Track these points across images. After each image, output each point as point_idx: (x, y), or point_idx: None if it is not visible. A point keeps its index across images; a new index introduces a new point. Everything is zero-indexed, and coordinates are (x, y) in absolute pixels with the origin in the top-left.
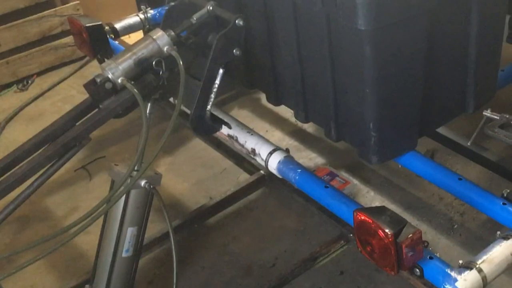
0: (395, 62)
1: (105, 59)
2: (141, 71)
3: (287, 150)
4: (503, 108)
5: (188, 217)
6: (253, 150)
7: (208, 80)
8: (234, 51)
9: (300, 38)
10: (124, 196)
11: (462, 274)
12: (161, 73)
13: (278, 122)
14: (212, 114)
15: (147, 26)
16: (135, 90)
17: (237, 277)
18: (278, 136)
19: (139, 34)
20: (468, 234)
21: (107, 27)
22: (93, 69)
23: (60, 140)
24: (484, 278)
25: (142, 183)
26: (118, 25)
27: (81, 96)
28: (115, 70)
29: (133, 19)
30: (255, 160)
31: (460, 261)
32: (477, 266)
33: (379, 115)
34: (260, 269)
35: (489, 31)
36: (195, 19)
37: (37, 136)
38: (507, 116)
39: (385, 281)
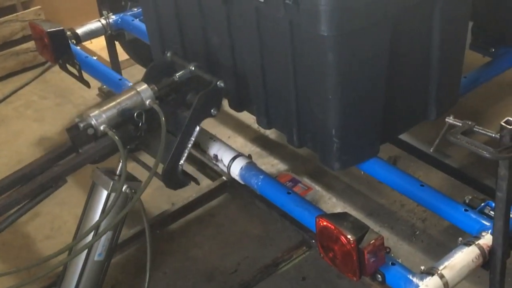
0: (357, 68)
1: (67, 64)
2: (122, 120)
3: (249, 156)
4: (466, 115)
5: (150, 223)
6: (215, 156)
7: (184, 136)
8: (212, 110)
9: (263, 44)
10: (104, 199)
11: (424, 280)
12: (140, 124)
13: (241, 128)
14: (183, 169)
15: (109, 31)
16: (116, 137)
17: (199, 282)
18: (240, 142)
19: (100, 40)
20: (430, 240)
21: (68, 33)
22: (54, 74)
23: (38, 180)
24: (445, 284)
25: (124, 187)
26: (79, 31)
27: (43, 101)
28: (99, 117)
29: (95, 25)
30: (218, 166)
31: (422, 267)
32: (439, 272)
33: (342, 122)
34: (222, 275)
35: (452, 38)
36: (177, 77)
37: (15, 173)
38: (470, 123)
39: (346, 287)
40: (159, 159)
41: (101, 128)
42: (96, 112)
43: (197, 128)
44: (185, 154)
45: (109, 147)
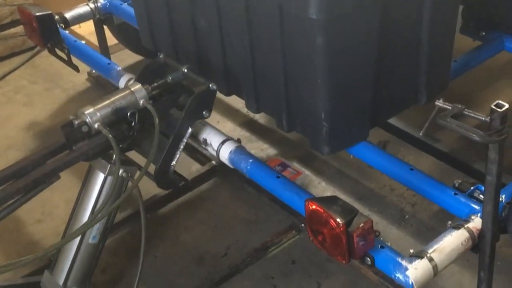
0: (347, 52)
1: (56, 49)
2: (116, 119)
3: (238, 140)
4: (456, 99)
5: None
6: (205, 140)
7: (177, 138)
8: (204, 112)
9: (252, 28)
10: (100, 182)
11: (413, 263)
12: (133, 124)
13: (230, 113)
14: (174, 170)
15: (97, 15)
16: (110, 135)
17: (189, 266)
18: (229, 127)
19: (89, 24)
20: (420, 224)
21: (57, 17)
22: (43, 59)
23: (32, 175)
24: (434, 267)
25: (120, 172)
26: (68, 15)
27: (32, 86)
28: (93, 115)
29: (83, 9)
30: (207, 150)
31: (411, 251)
32: (428, 255)
33: (331, 106)
34: (212, 259)
35: (442, 22)
36: (170, 78)
37: (8, 168)
38: (460, 106)
39: (336, 271)
40: (151, 158)
41: (95, 126)
42: (91, 110)
43: (189, 130)
44: (177, 156)
45: (102, 145)
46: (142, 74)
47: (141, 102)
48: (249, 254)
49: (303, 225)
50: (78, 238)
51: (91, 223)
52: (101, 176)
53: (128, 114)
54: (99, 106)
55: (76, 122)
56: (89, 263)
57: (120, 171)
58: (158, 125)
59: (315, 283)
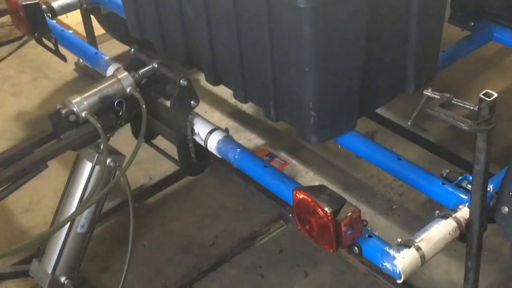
0: (335, 41)
1: (43, 38)
2: (104, 107)
3: (226, 130)
4: (444, 89)
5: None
6: (192, 130)
7: (178, 133)
8: (192, 102)
9: (239, 16)
10: (88, 172)
11: (401, 252)
12: (120, 113)
13: (217, 103)
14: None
15: (84, 5)
16: (98, 124)
17: (177, 255)
18: (217, 117)
19: (76, 15)
20: (407, 214)
21: (44, 6)
22: (31, 49)
23: (20, 164)
24: (422, 256)
25: (108, 161)
26: (55, 4)
27: (19, 75)
28: (80, 104)
29: None
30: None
31: (399, 240)
32: (416, 244)
33: (319, 95)
34: (200, 248)
35: (431, 11)
36: (140, 73)
37: None
38: (448, 95)
39: (324, 260)
40: (141, 139)
41: (83, 114)
42: (78, 99)
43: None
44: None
45: (90, 134)
46: (131, 61)
47: (128, 90)
48: (236, 243)
49: (290, 215)
50: (66, 227)
51: (79, 212)
52: (88, 165)
53: (115, 102)
54: (86, 94)
55: (64, 111)
56: (77, 252)
57: (108, 160)
58: (146, 112)
59: (303, 272)
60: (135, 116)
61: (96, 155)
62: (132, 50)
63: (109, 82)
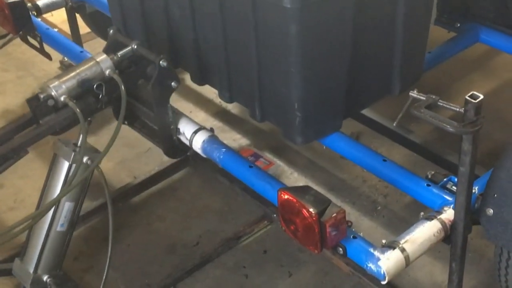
0: (320, 41)
1: (28, 36)
2: (83, 91)
3: (211, 130)
4: (430, 91)
5: (112, 196)
6: (178, 130)
7: (160, 115)
8: (172, 84)
9: (225, 16)
10: (65, 170)
11: (385, 254)
12: (100, 96)
13: (202, 103)
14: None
15: (70, 3)
16: (77, 109)
17: (161, 254)
18: (202, 117)
19: (62, 13)
20: (392, 216)
21: (29, 4)
22: (15, 47)
23: (0, 150)
24: (406, 258)
25: (84, 159)
26: (40, 2)
27: (4, 74)
28: (58, 88)
29: None
30: (180, 143)
31: (383, 241)
32: (400, 245)
33: (304, 95)
34: (184, 248)
35: (417, 13)
36: (119, 55)
37: None
38: (434, 97)
39: (308, 261)
40: (120, 122)
41: (62, 99)
42: (56, 83)
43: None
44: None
45: (70, 118)
46: (110, 44)
47: (107, 72)
48: (221, 243)
49: (275, 215)
50: (46, 226)
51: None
52: (66, 164)
53: (95, 86)
54: (64, 78)
55: (42, 96)
56: (58, 251)
57: (85, 159)
58: (125, 94)
59: (287, 272)
60: (116, 99)
61: (73, 154)
62: (111, 31)
63: (88, 65)
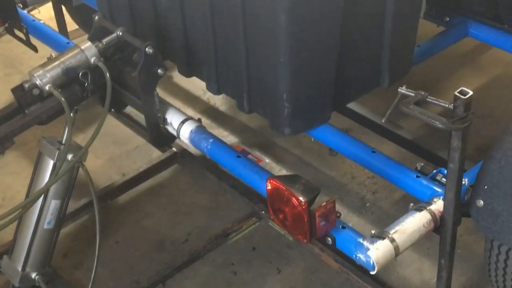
0: (310, 31)
1: (14, 28)
2: (68, 80)
3: (199, 120)
4: (419, 86)
5: (101, 193)
6: (165, 120)
7: (146, 103)
8: (159, 71)
9: (214, 6)
10: (50, 169)
11: (375, 244)
12: (86, 85)
13: (190, 99)
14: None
15: None
16: (62, 98)
17: (150, 251)
18: (190, 114)
19: (49, 10)
20: (380, 212)
21: None
22: (3, 44)
23: None
24: (396, 248)
25: (69, 157)
26: None
27: None
28: (43, 77)
29: None
30: (167, 129)
31: (373, 231)
32: (390, 236)
33: (293, 86)
34: (173, 245)
35: (406, 6)
36: (104, 42)
37: None
38: (423, 93)
39: (296, 257)
40: (106, 111)
41: (46, 88)
42: (40, 71)
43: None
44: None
45: (55, 107)
46: (94, 31)
47: (92, 60)
48: (209, 240)
49: (263, 212)
50: (33, 224)
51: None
52: (51, 163)
53: (80, 74)
54: (48, 67)
55: (27, 85)
56: (46, 249)
57: (70, 156)
58: (110, 82)
59: (275, 269)
60: (102, 87)
61: (57, 152)
62: (96, 18)
63: (72, 53)
